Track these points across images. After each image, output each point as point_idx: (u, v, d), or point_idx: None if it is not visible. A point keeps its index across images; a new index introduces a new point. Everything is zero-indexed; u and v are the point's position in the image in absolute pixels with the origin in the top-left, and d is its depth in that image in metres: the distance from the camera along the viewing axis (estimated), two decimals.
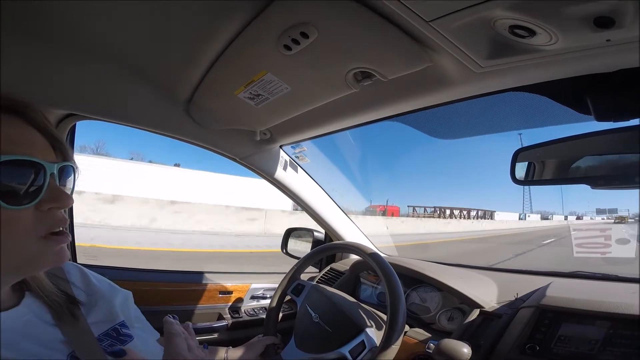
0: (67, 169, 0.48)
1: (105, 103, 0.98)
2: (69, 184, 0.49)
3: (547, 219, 46.13)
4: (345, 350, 0.89)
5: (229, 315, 1.35)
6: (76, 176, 0.50)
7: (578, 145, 0.72)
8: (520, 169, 0.83)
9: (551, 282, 0.99)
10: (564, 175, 0.77)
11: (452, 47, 0.58)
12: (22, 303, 0.47)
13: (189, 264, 6.90)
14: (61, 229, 0.46)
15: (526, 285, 1.02)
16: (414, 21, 0.53)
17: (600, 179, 0.70)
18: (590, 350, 0.72)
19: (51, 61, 0.82)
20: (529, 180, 0.82)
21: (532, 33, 0.51)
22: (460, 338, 0.86)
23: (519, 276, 1.22)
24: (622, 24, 0.44)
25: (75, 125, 1.06)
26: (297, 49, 0.65)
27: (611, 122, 0.66)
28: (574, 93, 0.68)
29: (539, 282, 1.02)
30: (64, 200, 0.45)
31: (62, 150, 0.47)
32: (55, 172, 0.44)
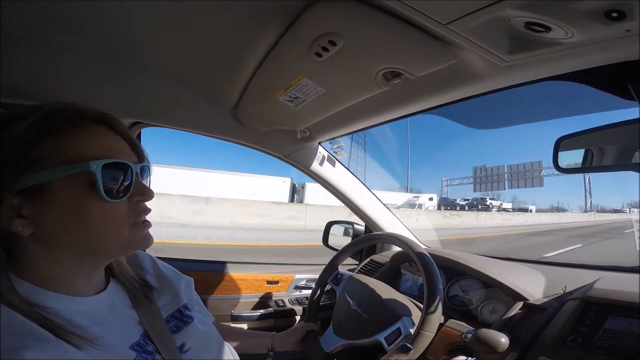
0: (145, 168, 0.56)
1: (166, 112, 1.15)
2: (146, 180, 0.57)
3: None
4: (381, 336, 0.90)
5: (274, 304, 1.44)
6: (151, 174, 0.59)
7: (621, 132, 0.69)
8: (563, 157, 0.81)
9: (602, 276, 0.94)
10: (610, 162, 0.74)
11: (474, 45, 0.59)
12: (108, 288, 0.57)
13: None
14: (145, 218, 0.55)
15: (577, 279, 0.98)
16: (432, 24, 0.55)
17: None
18: (637, 345, 0.68)
19: (122, 79, 0.98)
20: (573, 167, 0.81)
21: (547, 29, 0.50)
22: (500, 329, 0.83)
23: (570, 270, 1.17)
24: (633, 15, 0.43)
25: (140, 132, 1.22)
26: (327, 55, 0.71)
27: None
28: (613, 80, 0.65)
29: (591, 276, 0.97)
30: (148, 194, 0.54)
31: (140, 153, 0.56)
32: (138, 171, 0.53)
